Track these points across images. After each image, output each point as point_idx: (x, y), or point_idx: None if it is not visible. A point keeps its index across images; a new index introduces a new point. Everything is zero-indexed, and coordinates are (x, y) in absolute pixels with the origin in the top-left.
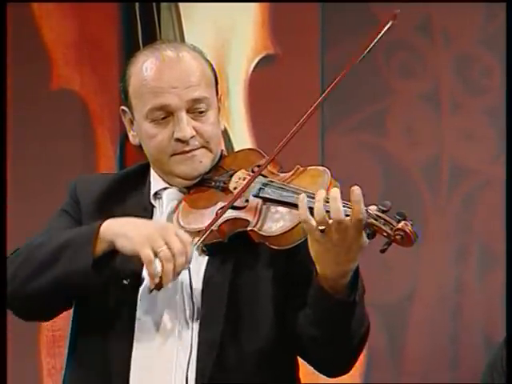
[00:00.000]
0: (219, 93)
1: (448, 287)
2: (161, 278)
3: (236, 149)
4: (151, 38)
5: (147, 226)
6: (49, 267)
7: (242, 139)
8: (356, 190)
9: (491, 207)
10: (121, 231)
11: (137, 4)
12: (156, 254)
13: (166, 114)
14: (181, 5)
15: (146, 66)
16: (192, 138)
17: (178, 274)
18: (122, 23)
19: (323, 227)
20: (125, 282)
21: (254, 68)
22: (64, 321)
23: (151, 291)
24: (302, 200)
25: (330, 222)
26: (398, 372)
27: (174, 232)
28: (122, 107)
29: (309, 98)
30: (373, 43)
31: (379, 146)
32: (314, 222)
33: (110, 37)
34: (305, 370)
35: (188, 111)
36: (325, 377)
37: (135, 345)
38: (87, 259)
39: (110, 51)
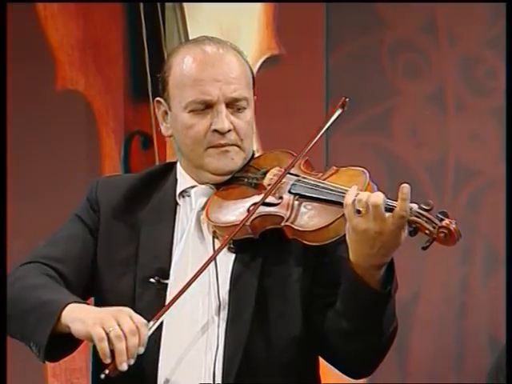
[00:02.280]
0: (255, 96)
1: (453, 287)
2: (114, 359)
3: None
4: (156, 38)
5: (102, 310)
6: (19, 323)
7: None
8: (405, 188)
9: (496, 208)
10: (77, 316)
11: (141, 4)
12: (108, 334)
13: (205, 106)
14: (185, 5)
15: (188, 58)
16: (229, 131)
17: (133, 356)
18: (126, 24)
19: (360, 208)
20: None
21: (259, 68)
22: None
23: (106, 376)
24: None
25: (368, 203)
26: (403, 372)
27: (127, 314)
28: (158, 98)
29: (313, 98)
30: (321, 132)
31: (384, 146)
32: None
33: (114, 37)
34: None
35: (227, 106)
36: (333, 378)
37: (163, 342)
38: (44, 336)
39: (115, 52)
